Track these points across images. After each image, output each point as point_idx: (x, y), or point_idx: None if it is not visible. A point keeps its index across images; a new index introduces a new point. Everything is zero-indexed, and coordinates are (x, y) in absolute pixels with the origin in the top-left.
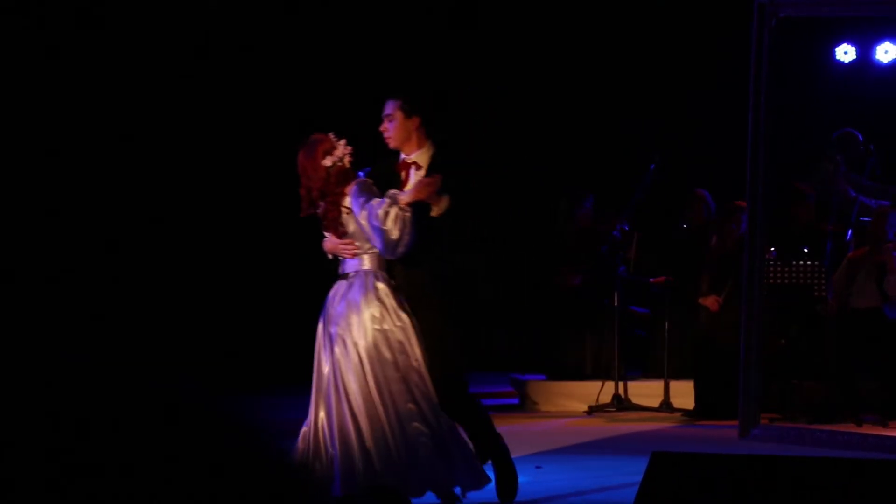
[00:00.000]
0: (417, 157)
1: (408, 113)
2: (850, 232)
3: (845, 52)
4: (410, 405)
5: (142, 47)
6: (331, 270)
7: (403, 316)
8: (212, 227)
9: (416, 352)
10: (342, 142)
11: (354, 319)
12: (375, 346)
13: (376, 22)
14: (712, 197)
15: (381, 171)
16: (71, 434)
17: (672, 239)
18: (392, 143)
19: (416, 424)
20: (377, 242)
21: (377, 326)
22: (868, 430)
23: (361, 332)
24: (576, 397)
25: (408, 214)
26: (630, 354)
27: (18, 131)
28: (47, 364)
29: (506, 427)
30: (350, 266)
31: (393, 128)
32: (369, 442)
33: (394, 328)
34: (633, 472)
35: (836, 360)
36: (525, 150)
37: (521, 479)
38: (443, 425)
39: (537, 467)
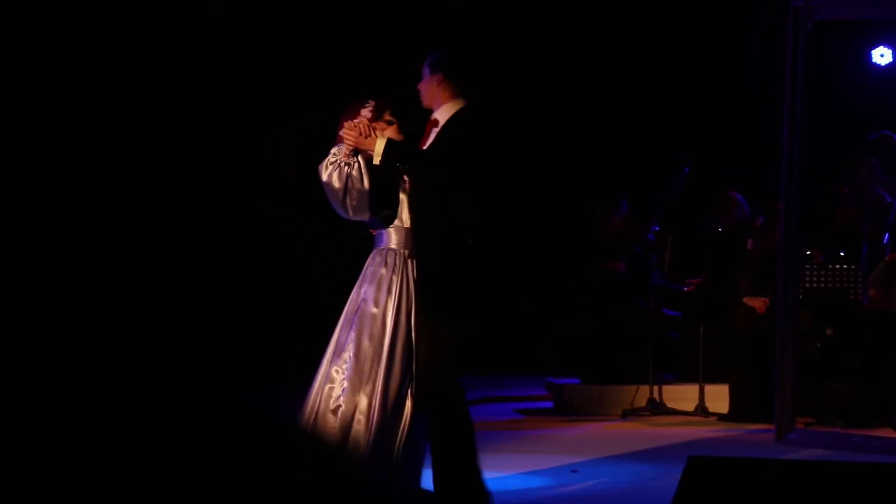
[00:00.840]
0: (438, 114)
1: (432, 69)
2: (886, 236)
3: (881, 55)
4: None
5: (142, 45)
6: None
7: (395, 299)
8: (212, 226)
9: (386, 335)
10: (365, 110)
11: (352, 296)
12: (364, 324)
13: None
14: (744, 199)
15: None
16: (72, 435)
17: (706, 241)
18: (423, 102)
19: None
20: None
21: (362, 307)
22: None
23: (353, 307)
24: (611, 401)
25: (348, 167)
26: (664, 358)
27: (18, 131)
28: (47, 364)
29: (541, 431)
30: (376, 241)
31: (422, 85)
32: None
33: (384, 309)
34: (669, 476)
35: (871, 363)
36: (559, 153)
37: (556, 482)
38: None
39: (573, 471)
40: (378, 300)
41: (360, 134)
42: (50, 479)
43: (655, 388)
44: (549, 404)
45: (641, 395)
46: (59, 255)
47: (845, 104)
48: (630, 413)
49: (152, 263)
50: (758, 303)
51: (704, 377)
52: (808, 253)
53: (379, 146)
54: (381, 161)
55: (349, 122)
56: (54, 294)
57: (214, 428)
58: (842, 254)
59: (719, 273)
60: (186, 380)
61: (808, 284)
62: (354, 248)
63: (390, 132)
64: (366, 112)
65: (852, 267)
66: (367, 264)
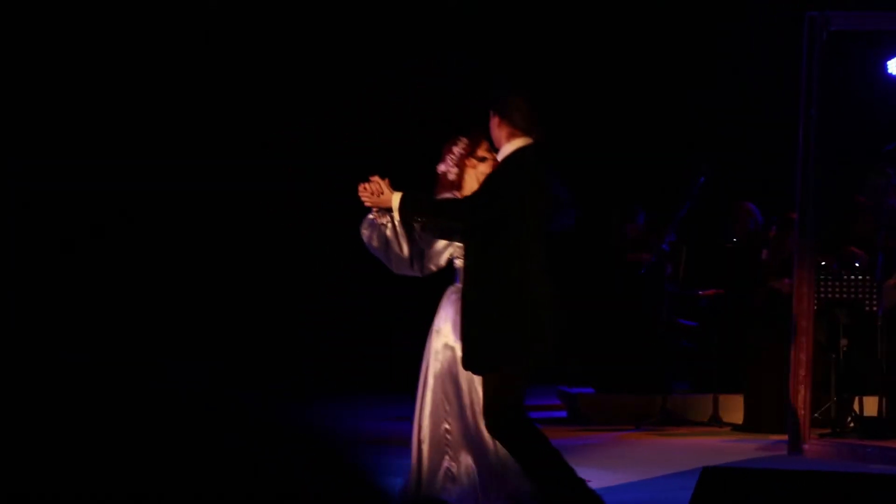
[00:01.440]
0: (500, 155)
1: (492, 111)
2: None
3: None
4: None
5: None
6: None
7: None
8: (212, 227)
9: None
10: (457, 147)
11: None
12: (437, 357)
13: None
14: (759, 209)
15: None
16: (72, 434)
17: (721, 251)
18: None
19: None
20: None
21: (434, 339)
22: None
23: (429, 342)
24: (625, 411)
25: (383, 227)
26: (679, 368)
27: (16, 131)
28: (48, 364)
29: (554, 441)
30: (455, 276)
31: (490, 127)
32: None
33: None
34: (682, 486)
35: (889, 374)
36: (576, 165)
37: None
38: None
39: (587, 481)
40: (449, 333)
41: (373, 193)
42: (48, 476)
43: (669, 398)
44: (562, 413)
45: (655, 405)
46: (62, 255)
47: (861, 115)
48: (644, 423)
49: (153, 264)
50: (783, 284)
51: (719, 387)
52: (823, 263)
53: (394, 201)
54: (399, 216)
55: (362, 185)
56: (57, 294)
57: (214, 428)
58: (857, 264)
59: (735, 283)
60: (187, 379)
61: (822, 295)
62: (354, 249)
63: (484, 167)
64: (458, 149)
65: (867, 277)
66: (442, 300)
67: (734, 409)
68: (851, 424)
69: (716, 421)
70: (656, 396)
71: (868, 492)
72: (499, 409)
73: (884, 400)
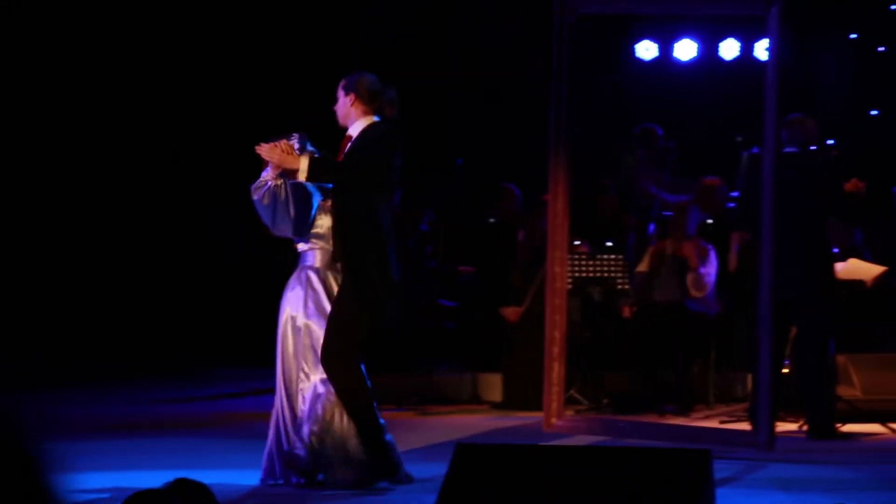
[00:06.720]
0: (352, 130)
1: (345, 91)
2: (651, 226)
3: (646, 49)
4: None
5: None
6: None
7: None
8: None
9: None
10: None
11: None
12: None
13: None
14: (520, 191)
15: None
16: None
17: (479, 231)
18: (339, 121)
19: None
20: None
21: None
22: (669, 420)
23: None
24: (386, 390)
25: (276, 189)
26: (439, 348)
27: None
28: None
29: None
30: (300, 260)
31: (337, 106)
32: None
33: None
34: (440, 462)
35: (638, 351)
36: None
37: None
38: None
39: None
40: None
41: (284, 152)
42: None
43: (430, 378)
44: None
45: (416, 384)
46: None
47: (611, 97)
48: (406, 403)
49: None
50: (510, 312)
51: (479, 366)
52: (578, 243)
53: (303, 164)
54: (307, 177)
55: (266, 144)
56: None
57: None
58: (609, 244)
59: (493, 264)
60: None
61: (576, 274)
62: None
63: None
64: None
65: (619, 256)
66: (288, 285)
67: (494, 387)
68: (606, 402)
69: (476, 399)
70: (417, 376)
71: (614, 464)
72: (341, 348)
73: (636, 375)
